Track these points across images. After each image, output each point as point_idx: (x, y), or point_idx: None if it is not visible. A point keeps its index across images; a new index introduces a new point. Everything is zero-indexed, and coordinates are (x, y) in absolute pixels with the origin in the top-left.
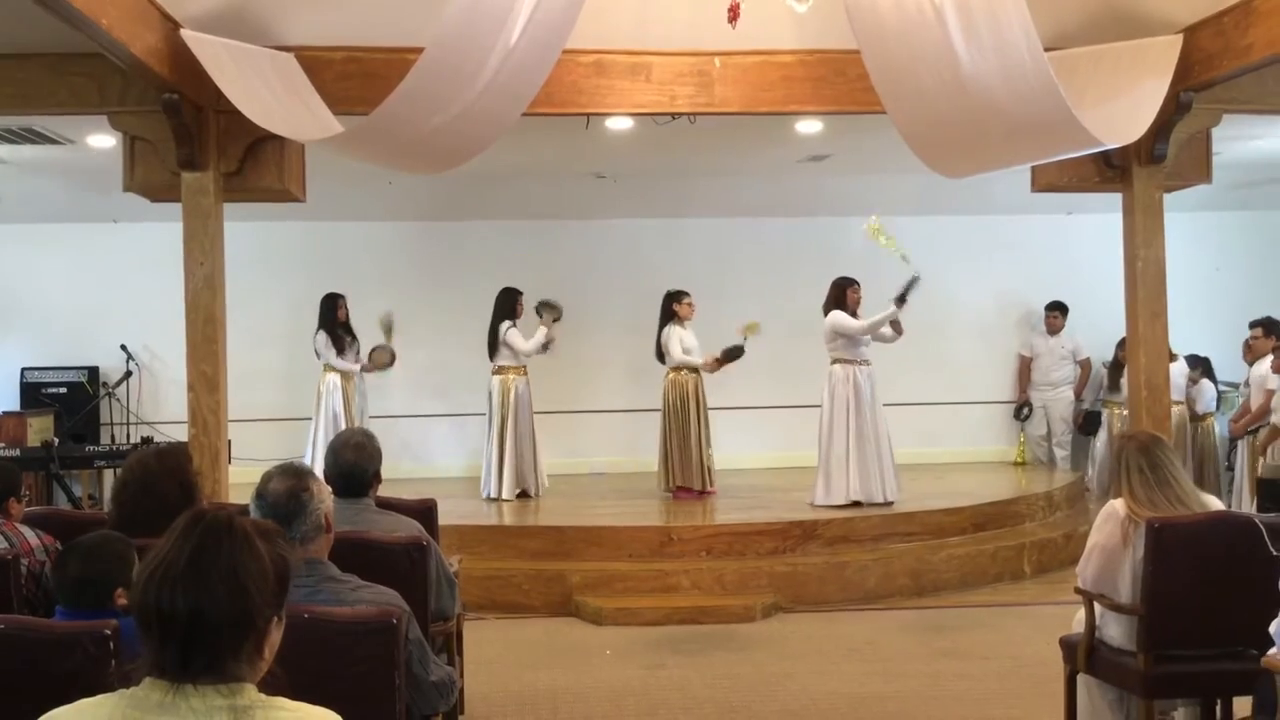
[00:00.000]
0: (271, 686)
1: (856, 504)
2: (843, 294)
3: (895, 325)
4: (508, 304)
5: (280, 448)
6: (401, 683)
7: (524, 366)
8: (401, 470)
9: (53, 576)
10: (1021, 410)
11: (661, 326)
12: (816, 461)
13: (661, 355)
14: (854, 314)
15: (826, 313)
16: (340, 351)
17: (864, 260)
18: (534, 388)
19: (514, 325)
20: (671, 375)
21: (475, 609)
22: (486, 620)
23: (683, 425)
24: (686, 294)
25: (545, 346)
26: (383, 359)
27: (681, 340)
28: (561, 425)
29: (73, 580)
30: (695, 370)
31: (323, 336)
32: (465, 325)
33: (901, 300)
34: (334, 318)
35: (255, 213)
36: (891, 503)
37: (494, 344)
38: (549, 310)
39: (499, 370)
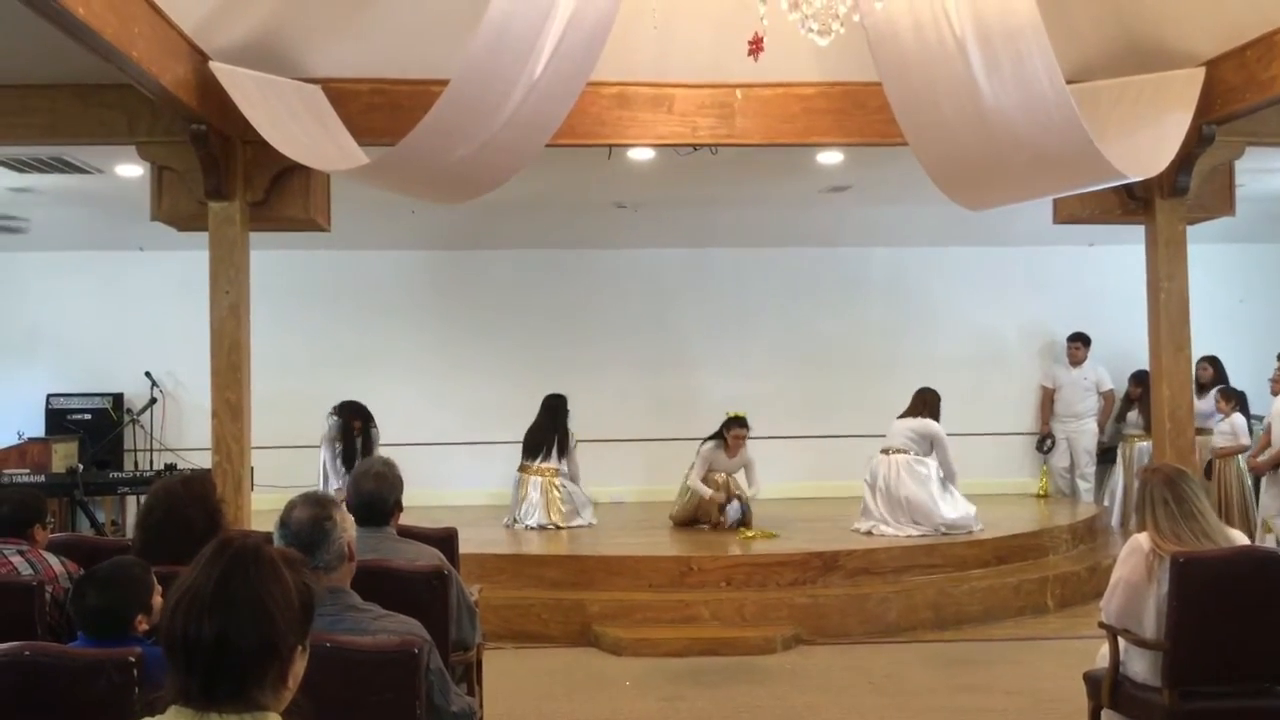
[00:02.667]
0: (295, 716)
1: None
2: (939, 406)
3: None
4: (566, 412)
5: (303, 475)
6: (422, 713)
7: (558, 468)
8: (425, 498)
9: (71, 607)
10: (1044, 442)
11: (707, 439)
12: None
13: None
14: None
15: (914, 415)
16: (344, 459)
17: (887, 289)
18: None
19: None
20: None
21: (495, 638)
22: (506, 650)
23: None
24: (739, 426)
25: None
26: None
27: (710, 464)
28: (581, 454)
29: (92, 611)
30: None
31: (331, 428)
32: (488, 353)
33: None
34: (345, 428)
35: (279, 241)
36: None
37: (557, 448)
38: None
39: (539, 471)
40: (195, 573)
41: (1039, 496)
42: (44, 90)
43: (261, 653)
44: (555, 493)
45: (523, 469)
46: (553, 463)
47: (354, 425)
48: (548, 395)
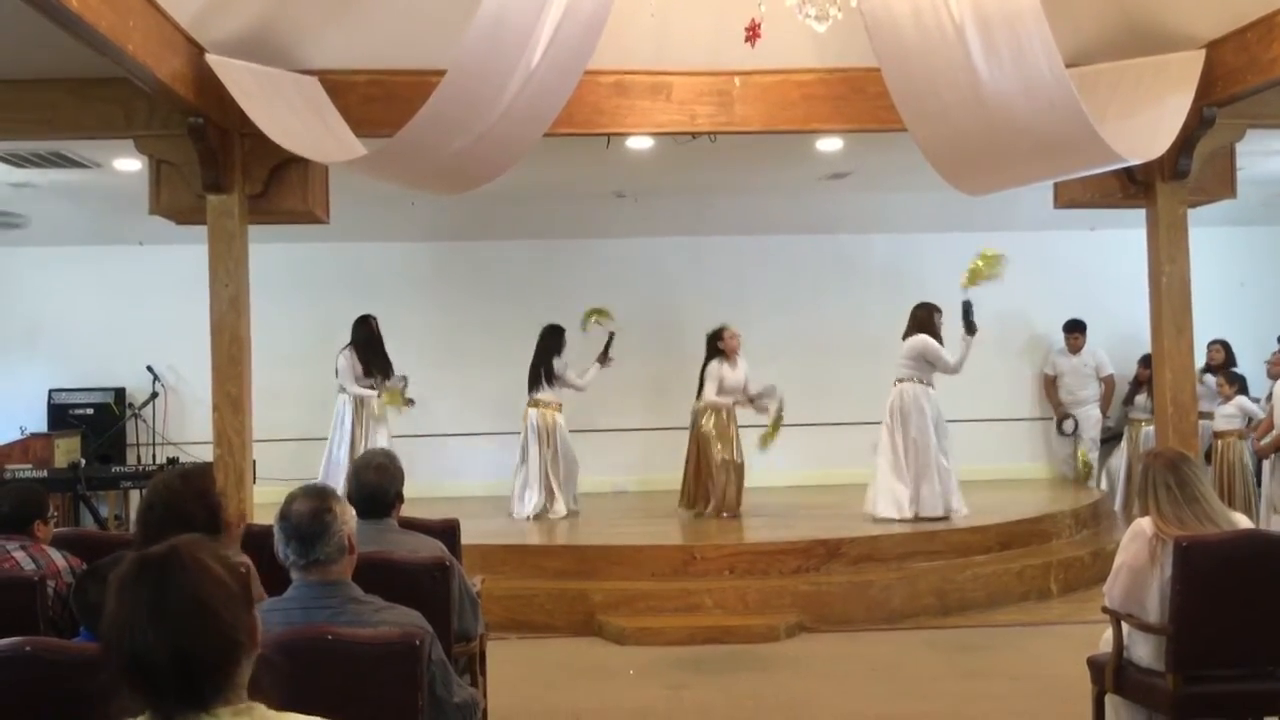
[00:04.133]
0: (269, 673)
1: (917, 518)
2: (931, 319)
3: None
4: (556, 341)
5: (306, 468)
6: (425, 704)
7: (560, 403)
8: (427, 489)
9: (74, 603)
10: (1063, 424)
11: (707, 362)
12: (877, 476)
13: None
14: (939, 338)
15: (908, 336)
16: (367, 373)
17: (888, 276)
18: None
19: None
20: (704, 401)
21: (498, 629)
22: (509, 640)
23: (711, 452)
24: (726, 327)
25: (605, 359)
26: (398, 397)
27: (723, 379)
28: (584, 444)
29: (93, 607)
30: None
31: (345, 358)
32: (488, 343)
33: (971, 328)
34: (367, 337)
35: (281, 234)
36: (951, 515)
37: (545, 378)
38: (603, 317)
39: (536, 404)
40: (123, 595)
41: (1081, 478)
42: (41, 85)
43: (225, 652)
44: (550, 437)
45: (528, 403)
46: (545, 394)
47: (370, 324)
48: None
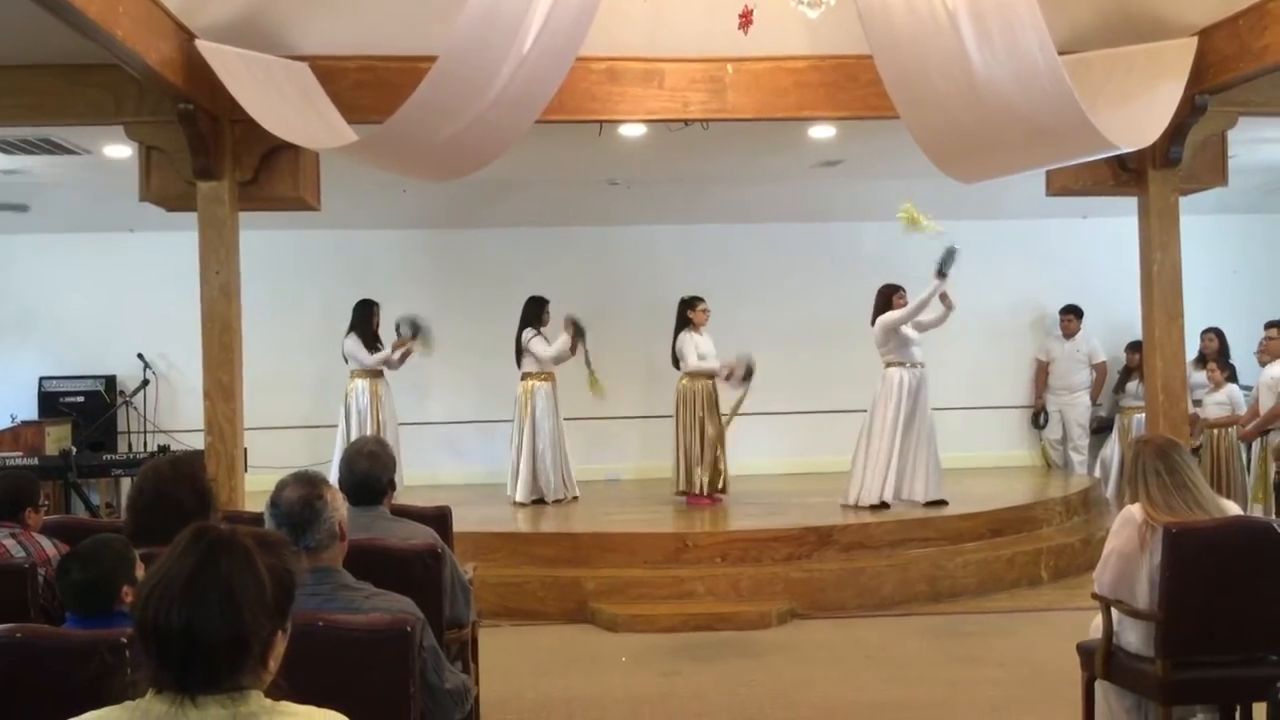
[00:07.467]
0: (275, 697)
1: (886, 504)
2: (889, 301)
3: (945, 299)
4: (533, 312)
5: (302, 455)
6: (416, 691)
7: (549, 373)
8: (415, 478)
9: (57, 585)
10: (1039, 418)
11: (677, 332)
12: (854, 462)
13: (677, 361)
14: None
15: (874, 320)
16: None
17: (879, 265)
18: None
19: (538, 333)
20: (685, 381)
21: (490, 616)
22: (501, 627)
23: (695, 431)
24: (701, 300)
25: (574, 350)
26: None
27: (697, 346)
28: (577, 431)
29: (76, 586)
30: (709, 376)
31: (352, 339)
32: (483, 330)
33: (941, 273)
34: (367, 324)
35: (270, 221)
36: (943, 502)
37: (518, 350)
38: (574, 329)
39: (523, 376)
40: (169, 561)
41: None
42: (29, 70)
43: (230, 646)
44: (528, 401)
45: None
46: (527, 365)
47: (368, 309)
48: None
